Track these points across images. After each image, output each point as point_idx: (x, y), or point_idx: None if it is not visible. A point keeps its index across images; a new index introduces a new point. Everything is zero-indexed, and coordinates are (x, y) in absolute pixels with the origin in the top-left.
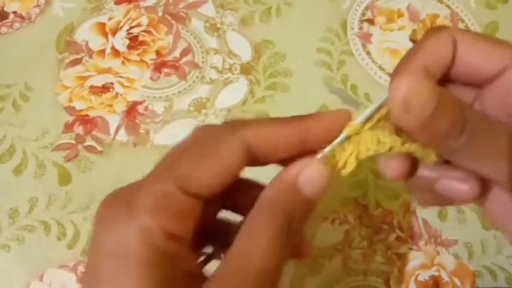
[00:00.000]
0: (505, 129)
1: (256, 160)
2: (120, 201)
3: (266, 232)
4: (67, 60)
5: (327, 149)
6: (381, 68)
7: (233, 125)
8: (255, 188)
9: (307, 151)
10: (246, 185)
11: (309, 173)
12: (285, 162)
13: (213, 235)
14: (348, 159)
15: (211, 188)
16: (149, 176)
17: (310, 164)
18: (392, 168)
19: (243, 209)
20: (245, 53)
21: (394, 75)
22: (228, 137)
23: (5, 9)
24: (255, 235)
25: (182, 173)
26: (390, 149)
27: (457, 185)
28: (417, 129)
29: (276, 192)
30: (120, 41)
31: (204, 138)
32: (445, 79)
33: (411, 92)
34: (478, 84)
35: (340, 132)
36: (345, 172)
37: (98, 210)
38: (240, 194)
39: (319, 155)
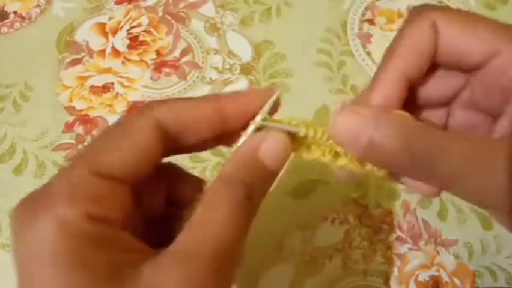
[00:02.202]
0: (499, 146)
1: (178, 141)
2: (36, 200)
3: (225, 206)
4: (67, 60)
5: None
6: None
7: (145, 107)
8: (199, 183)
9: (229, 132)
10: (189, 180)
11: (270, 143)
12: (214, 145)
13: (164, 226)
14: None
15: (124, 168)
16: (62, 168)
17: (271, 134)
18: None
19: (187, 203)
20: (245, 53)
21: (371, 84)
22: (138, 117)
23: (6, 9)
24: (213, 209)
25: (92, 156)
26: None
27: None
28: (358, 157)
29: (236, 165)
30: (120, 41)
31: (117, 123)
32: (431, 65)
33: (342, 129)
34: (467, 70)
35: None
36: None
37: (12, 216)
38: (182, 188)
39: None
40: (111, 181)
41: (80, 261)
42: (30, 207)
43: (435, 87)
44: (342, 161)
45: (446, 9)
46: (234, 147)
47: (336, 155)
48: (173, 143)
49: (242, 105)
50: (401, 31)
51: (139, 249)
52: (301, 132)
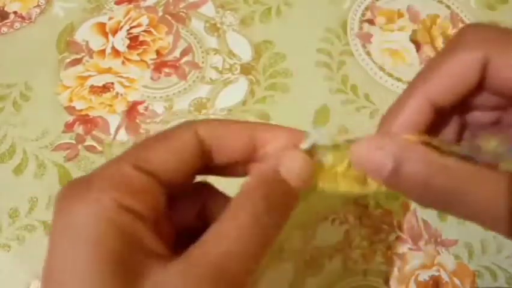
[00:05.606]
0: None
1: (211, 158)
2: (76, 186)
3: (241, 219)
4: (67, 60)
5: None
6: (381, 69)
7: (186, 121)
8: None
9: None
10: (223, 199)
11: (291, 159)
12: (239, 170)
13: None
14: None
15: (164, 168)
16: (107, 161)
17: (292, 151)
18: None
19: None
20: (245, 53)
21: (394, 106)
22: (181, 126)
23: (6, 9)
24: (229, 221)
25: (135, 153)
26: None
27: None
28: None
29: (256, 180)
30: (120, 41)
31: (163, 131)
32: (478, 88)
33: (363, 158)
34: None
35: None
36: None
37: (56, 199)
38: (214, 206)
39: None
40: (150, 177)
41: (105, 249)
42: (69, 192)
43: (482, 102)
44: (366, 189)
45: (499, 31)
46: None
47: (359, 183)
48: (208, 159)
49: (276, 138)
50: (442, 54)
51: (161, 253)
52: (328, 159)
